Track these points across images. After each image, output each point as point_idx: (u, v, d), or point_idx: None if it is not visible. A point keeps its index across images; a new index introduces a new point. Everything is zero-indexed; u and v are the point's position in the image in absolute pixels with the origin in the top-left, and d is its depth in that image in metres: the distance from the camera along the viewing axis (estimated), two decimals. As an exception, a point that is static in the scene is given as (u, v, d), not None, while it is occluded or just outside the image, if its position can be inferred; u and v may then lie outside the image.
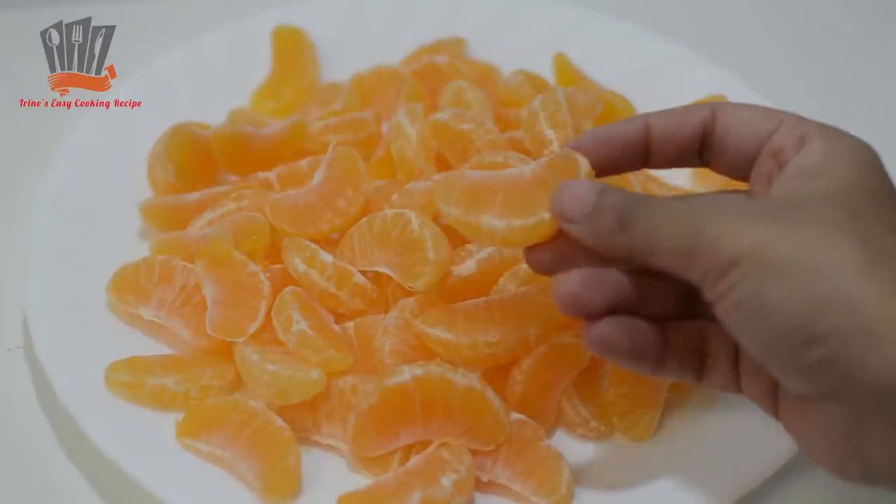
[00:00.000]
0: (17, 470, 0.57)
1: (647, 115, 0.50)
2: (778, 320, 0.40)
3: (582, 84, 0.75)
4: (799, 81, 0.86)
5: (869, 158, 0.45)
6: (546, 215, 0.47)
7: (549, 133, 0.62)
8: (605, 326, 0.45)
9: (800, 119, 0.48)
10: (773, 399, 0.46)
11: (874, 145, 0.47)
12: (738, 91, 0.74)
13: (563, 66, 0.77)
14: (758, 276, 0.40)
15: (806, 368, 0.40)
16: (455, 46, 0.79)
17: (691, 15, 0.93)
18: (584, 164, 0.49)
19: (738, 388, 0.48)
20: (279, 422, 0.53)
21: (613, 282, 0.46)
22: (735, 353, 0.48)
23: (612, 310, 0.46)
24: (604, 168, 0.50)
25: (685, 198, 0.49)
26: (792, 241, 0.41)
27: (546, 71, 0.77)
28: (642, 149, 0.50)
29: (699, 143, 0.50)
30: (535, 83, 0.74)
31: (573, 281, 0.45)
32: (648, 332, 0.47)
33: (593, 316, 0.46)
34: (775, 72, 0.86)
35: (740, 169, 0.49)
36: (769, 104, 0.72)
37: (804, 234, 0.41)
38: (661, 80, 0.77)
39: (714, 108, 0.49)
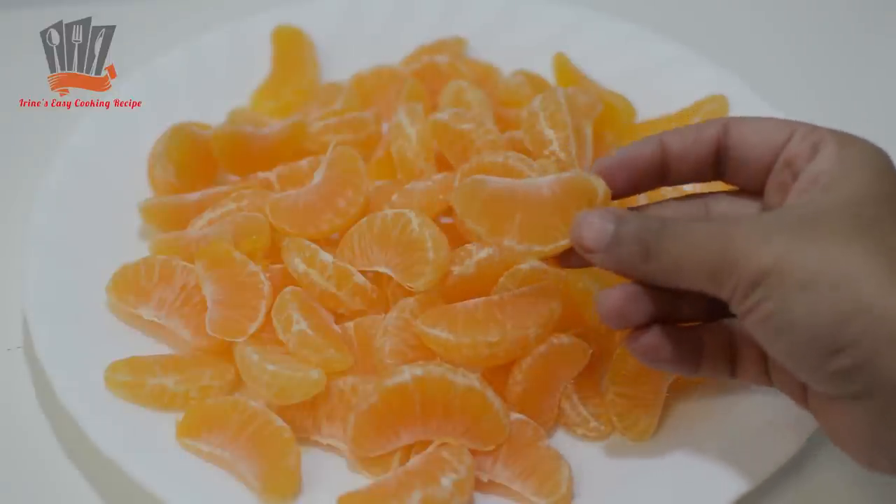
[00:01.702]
0: (17, 470, 0.57)
1: (660, 135, 0.52)
2: (805, 332, 0.42)
3: (582, 84, 0.75)
4: (799, 81, 0.86)
5: (882, 163, 0.47)
6: (563, 241, 0.50)
7: (549, 133, 0.62)
8: (651, 337, 0.48)
9: (813, 127, 0.49)
10: (802, 391, 0.48)
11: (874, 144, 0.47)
12: (738, 91, 0.74)
13: (563, 66, 0.77)
14: (783, 291, 0.42)
15: (833, 375, 0.42)
16: (455, 46, 0.79)
17: (691, 15, 0.93)
18: (601, 189, 0.51)
19: (770, 382, 0.50)
20: (279, 422, 0.53)
21: (652, 293, 0.48)
22: (763, 349, 0.49)
23: (654, 319, 0.48)
24: (624, 190, 0.52)
25: (701, 219, 0.51)
26: (813, 254, 0.42)
27: (546, 71, 0.77)
28: (660, 168, 0.52)
29: (714, 158, 0.51)
30: (535, 83, 0.74)
31: (616, 297, 0.47)
32: (687, 337, 0.49)
33: (636, 326, 0.48)
34: (775, 71, 0.86)
35: (755, 179, 0.51)
36: (769, 104, 0.73)
37: (824, 246, 0.42)
38: (661, 80, 0.77)
39: (726, 123, 0.51)
